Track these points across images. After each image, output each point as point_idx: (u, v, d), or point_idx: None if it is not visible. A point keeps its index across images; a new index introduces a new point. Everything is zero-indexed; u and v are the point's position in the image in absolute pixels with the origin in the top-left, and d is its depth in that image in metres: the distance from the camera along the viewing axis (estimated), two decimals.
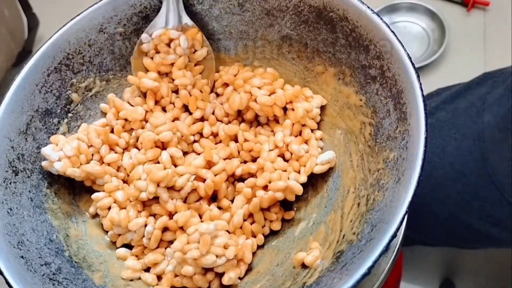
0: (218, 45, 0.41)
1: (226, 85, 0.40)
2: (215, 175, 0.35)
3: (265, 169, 0.35)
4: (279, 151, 0.36)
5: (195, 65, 0.40)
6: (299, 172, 0.36)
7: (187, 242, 0.32)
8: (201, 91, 0.39)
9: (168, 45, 0.39)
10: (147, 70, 0.39)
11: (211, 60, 0.40)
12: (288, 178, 0.35)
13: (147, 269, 0.35)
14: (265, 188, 0.35)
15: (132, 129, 0.38)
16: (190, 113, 0.39)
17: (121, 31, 0.40)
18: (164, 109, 0.39)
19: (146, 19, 0.40)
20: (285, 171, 0.36)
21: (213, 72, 0.39)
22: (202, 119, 0.39)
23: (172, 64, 0.39)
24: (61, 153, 0.35)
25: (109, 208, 0.36)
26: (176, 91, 0.39)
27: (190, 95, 0.38)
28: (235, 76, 0.39)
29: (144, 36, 0.38)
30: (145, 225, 0.35)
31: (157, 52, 0.39)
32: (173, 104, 0.39)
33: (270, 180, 0.34)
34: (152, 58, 0.39)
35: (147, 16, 0.40)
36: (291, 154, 0.36)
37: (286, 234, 0.36)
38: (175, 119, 0.38)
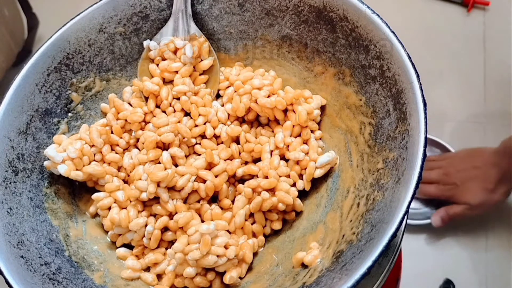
0: (218, 45, 0.41)
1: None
2: (216, 176, 0.36)
3: (270, 177, 0.35)
4: (280, 152, 0.36)
5: (201, 74, 0.40)
6: (300, 175, 0.36)
7: (187, 243, 0.32)
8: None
9: (175, 53, 0.39)
10: (152, 76, 0.39)
11: (216, 71, 0.40)
12: (294, 185, 0.36)
13: (147, 269, 0.35)
14: (268, 190, 0.35)
15: (131, 129, 0.38)
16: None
17: (121, 31, 0.40)
18: (164, 113, 0.39)
19: (146, 19, 0.40)
20: (288, 176, 0.36)
21: (217, 83, 0.40)
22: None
23: (177, 72, 0.39)
24: (64, 154, 0.35)
25: (110, 208, 0.36)
26: (179, 99, 0.39)
27: (191, 103, 0.38)
28: (237, 76, 0.39)
29: (152, 43, 0.39)
30: (146, 225, 0.35)
31: (164, 59, 0.39)
32: (173, 108, 0.39)
33: (274, 185, 0.35)
34: (158, 65, 0.39)
35: (147, 16, 0.40)
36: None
37: (286, 234, 0.36)
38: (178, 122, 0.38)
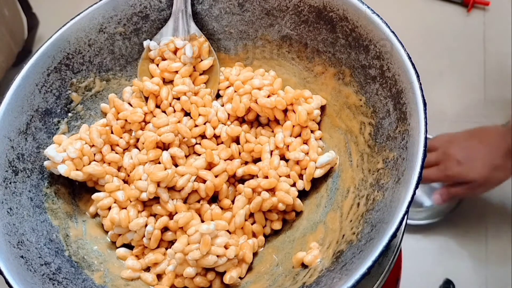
0: (218, 45, 0.41)
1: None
2: (216, 176, 0.36)
3: (270, 177, 0.35)
4: (280, 152, 0.36)
5: (201, 74, 0.40)
6: (300, 175, 0.36)
7: (187, 243, 0.32)
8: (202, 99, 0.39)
9: (175, 53, 0.39)
10: (152, 76, 0.39)
11: (216, 71, 0.40)
12: (294, 185, 0.36)
13: (147, 269, 0.35)
14: (268, 190, 0.35)
15: (131, 129, 0.38)
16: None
17: (121, 31, 0.40)
18: (164, 113, 0.39)
19: (146, 19, 0.40)
20: (288, 176, 0.36)
21: (217, 83, 0.40)
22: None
23: (177, 72, 0.39)
24: (64, 154, 0.35)
25: (110, 208, 0.36)
26: (179, 99, 0.39)
27: (191, 103, 0.38)
28: (237, 76, 0.39)
29: (152, 43, 0.39)
30: (146, 225, 0.35)
31: (164, 59, 0.39)
32: (173, 108, 0.39)
33: (274, 185, 0.35)
34: (158, 65, 0.39)
35: (147, 16, 0.40)
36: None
37: (286, 234, 0.36)
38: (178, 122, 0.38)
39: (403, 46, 0.32)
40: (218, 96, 0.40)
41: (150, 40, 0.39)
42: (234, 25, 0.40)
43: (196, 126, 0.38)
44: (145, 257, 0.35)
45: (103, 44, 0.39)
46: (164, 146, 0.37)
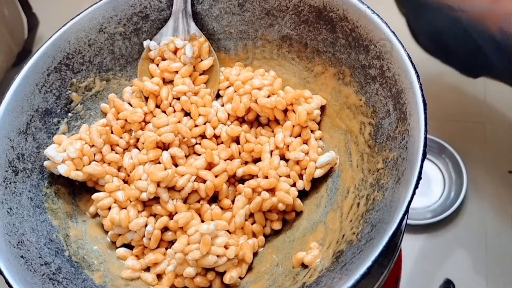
0: (218, 45, 0.41)
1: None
2: (216, 176, 0.36)
3: (270, 177, 0.35)
4: (280, 152, 0.36)
5: (201, 74, 0.40)
6: (300, 175, 0.36)
7: (187, 243, 0.32)
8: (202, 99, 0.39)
9: (175, 53, 0.39)
10: (152, 76, 0.39)
11: (216, 71, 0.40)
12: (294, 185, 0.36)
13: (147, 269, 0.35)
14: (268, 190, 0.35)
15: (131, 129, 0.38)
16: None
17: (121, 31, 0.40)
18: (164, 113, 0.39)
19: (146, 19, 0.40)
20: (288, 176, 0.36)
21: (217, 83, 0.40)
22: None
23: (177, 72, 0.39)
24: (64, 154, 0.35)
25: (110, 208, 0.36)
26: (179, 99, 0.39)
27: (191, 103, 0.38)
28: (237, 76, 0.39)
29: (152, 43, 0.39)
30: (146, 225, 0.35)
31: (164, 59, 0.39)
32: (173, 108, 0.39)
33: (274, 185, 0.35)
34: (158, 65, 0.39)
35: (147, 16, 0.40)
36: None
37: (286, 234, 0.36)
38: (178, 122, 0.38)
39: (403, 46, 0.32)
40: (218, 96, 0.40)
41: (150, 40, 0.39)
42: (234, 25, 0.40)
43: (196, 126, 0.38)
44: (145, 257, 0.35)
45: (103, 44, 0.39)
46: (164, 146, 0.37)
